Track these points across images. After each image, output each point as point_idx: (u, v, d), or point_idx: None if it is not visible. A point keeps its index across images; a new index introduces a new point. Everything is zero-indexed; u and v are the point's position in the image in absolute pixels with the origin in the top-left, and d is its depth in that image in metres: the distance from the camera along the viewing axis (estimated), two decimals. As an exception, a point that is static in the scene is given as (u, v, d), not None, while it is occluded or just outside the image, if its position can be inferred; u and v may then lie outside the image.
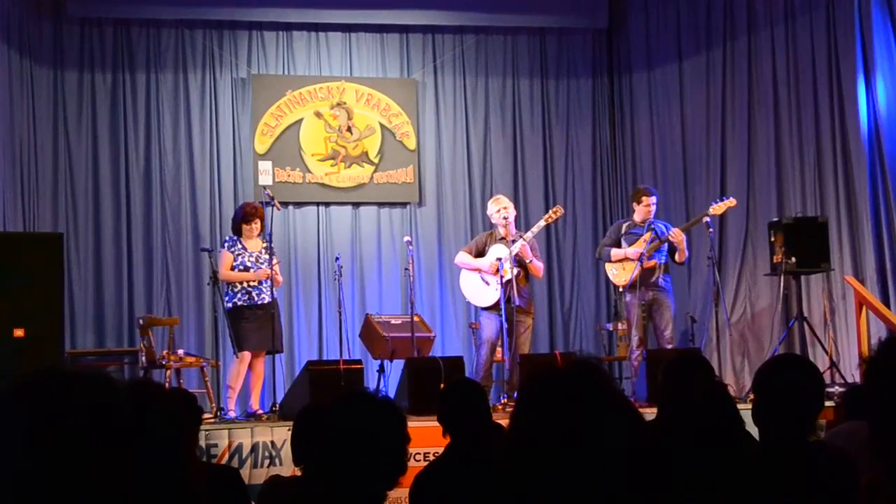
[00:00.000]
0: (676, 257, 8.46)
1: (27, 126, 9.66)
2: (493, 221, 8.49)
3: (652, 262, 8.38)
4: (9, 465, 1.34)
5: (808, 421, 2.98)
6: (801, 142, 9.30)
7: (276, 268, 8.18)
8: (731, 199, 8.65)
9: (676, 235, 8.36)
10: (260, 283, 8.00)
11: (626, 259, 8.47)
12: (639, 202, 8.61)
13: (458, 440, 3.90)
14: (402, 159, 10.57)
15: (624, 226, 8.65)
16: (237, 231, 8.22)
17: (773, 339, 9.10)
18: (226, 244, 8.23)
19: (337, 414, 2.44)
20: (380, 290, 10.38)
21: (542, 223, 8.53)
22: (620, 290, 8.62)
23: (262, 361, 8.16)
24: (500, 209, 8.36)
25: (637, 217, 8.61)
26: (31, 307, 7.42)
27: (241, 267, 8.04)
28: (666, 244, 8.44)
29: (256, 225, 8.15)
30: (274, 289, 8.11)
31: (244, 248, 8.10)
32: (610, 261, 8.57)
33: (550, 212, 8.65)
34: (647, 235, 8.44)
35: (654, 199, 8.59)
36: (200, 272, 9.79)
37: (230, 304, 8.04)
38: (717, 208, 8.52)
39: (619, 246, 8.55)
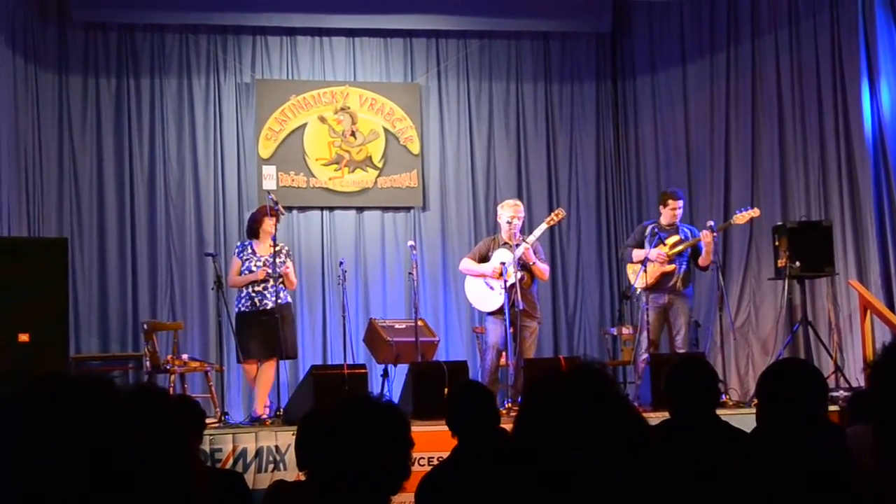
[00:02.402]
0: (700, 261, 8.42)
1: (32, 131, 9.67)
2: (500, 222, 8.48)
3: (671, 267, 8.35)
4: (12, 467, 1.34)
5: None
6: (805, 145, 9.30)
7: (289, 267, 8.15)
8: (755, 209, 8.60)
9: (706, 237, 8.32)
10: (265, 288, 7.99)
11: (647, 260, 8.43)
12: (665, 205, 8.58)
13: (465, 443, 3.90)
14: (406, 164, 10.58)
15: (649, 227, 8.61)
16: (254, 232, 8.21)
17: (777, 343, 9.09)
18: (236, 250, 8.28)
19: (341, 418, 2.44)
20: (384, 294, 10.38)
21: (543, 226, 8.54)
22: (638, 291, 8.58)
23: (272, 367, 8.11)
24: (515, 216, 8.31)
25: (663, 220, 8.58)
26: (35, 312, 7.42)
27: (248, 272, 8.06)
28: (688, 249, 8.41)
29: (273, 221, 8.15)
30: (283, 294, 8.12)
31: (253, 252, 8.11)
32: (631, 261, 8.56)
33: (552, 214, 8.66)
34: (674, 239, 8.42)
35: (680, 203, 8.57)
36: (204, 277, 9.80)
37: (236, 310, 8.10)
38: (741, 217, 8.47)
39: (641, 247, 8.51)
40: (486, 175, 10.81)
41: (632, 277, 8.60)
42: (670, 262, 8.34)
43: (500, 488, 1.58)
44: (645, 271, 8.29)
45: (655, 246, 8.41)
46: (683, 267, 8.44)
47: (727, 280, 9.33)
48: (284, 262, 8.13)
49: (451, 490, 3.55)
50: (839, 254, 8.75)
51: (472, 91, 10.85)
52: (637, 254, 8.49)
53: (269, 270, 7.98)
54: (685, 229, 8.57)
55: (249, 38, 10.43)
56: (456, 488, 3.52)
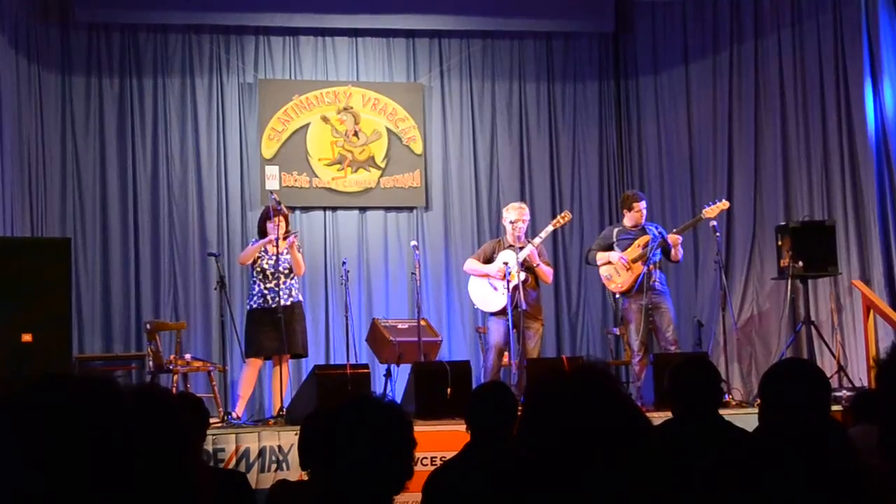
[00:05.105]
0: (672, 256, 8.45)
1: (35, 131, 9.68)
2: (505, 225, 8.48)
3: (651, 266, 8.36)
4: (13, 469, 1.34)
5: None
6: (808, 145, 9.29)
7: (294, 247, 8.13)
8: (724, 201, 8.66)
9: (674, 239, 8.36)
10: (278, 285, 8.02)
11: (608, 263, 8.46)
12: (630, 208, 8.58)
13: (478, 441, 3.89)
14: (409, 164, 10.58)
15: (615, 231, 8.64)
16: (263, 232, 8.27)
17: (780, 343, 9.08)
18: (252, 242, 8.39)
19: (343, 418, 2.44)
20: (386, 294, 10.38)
21: (550, 228, 8.56)
22: (617, 295, 8.63)
23: (286, 365, 8.14)
24: (520, 219, 8.34)
25: (628, 222, 8.59)
26: (38, 312, 7.43)
27: (259, 269, 8.12)
28: (660, 248, 8.44)
29: (281, 222, 8.18)
30: (296, 292, 8.16)
31: (266, 250, 8.16)
32: (596, 264, 8.57)
33: (559, 217, 8.68)
34: (644, 239, 8.41)
35: (644, 204, 8.58)
36: (207, 276, 9.81)
37: (248, 307, 8.24)
38: (711, 211, 8.50)
39: (610, 251, 8.53)
40: (488, 175, 10.81)
41: (606, 281, 8.60)
42: (645, 262, 8.32)
43: (506, 487, 1.58)
44: (619, 274, 8.34)
45: (625, 249, 8.42)
46: (658, 257, 8.42)
47: (730, 280, 9.33)
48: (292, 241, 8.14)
49: (461, 486, 3.54)
50: (842, 253, 8.74)
51: (474, 91, 10.84)
52: (600, 256, 8.50)
53: (278, 246, 8.01)
54: (652, 228, 8.57)
55: (252, 38, 10.43)
56: (465, 485, 3.52)
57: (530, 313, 8.23)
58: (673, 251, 8.38)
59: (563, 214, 8.71)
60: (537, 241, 8.39)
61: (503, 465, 3.25)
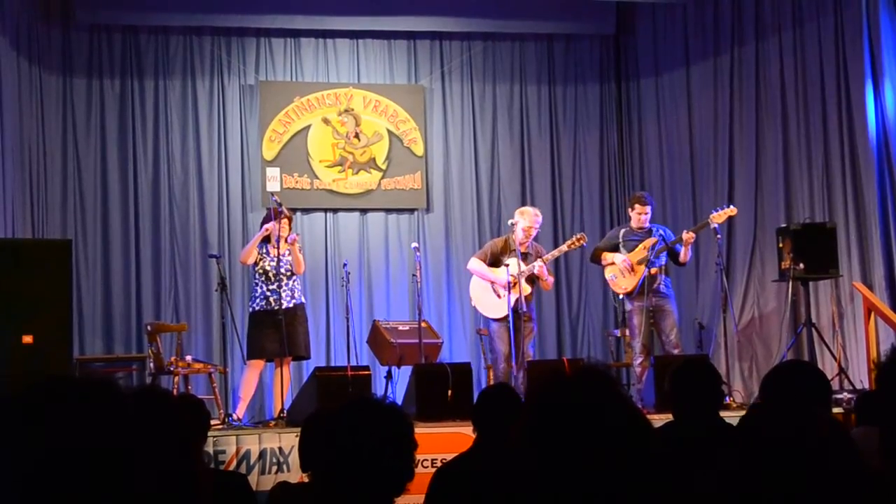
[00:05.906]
0: (681, 258, 8.44)
1: (36, 133, 9.68)
2: (516, 228, 8.36)
3: (654, 269, 8.36)
4: (13, 469, 1.34)
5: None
6: (809, 147, 9.28)
7: (296, 245, 8.15)
8: (732, 207, 8.62)
9: (689, 237, 8.34)
10: (280, 287, 8.02)
11: (612, 264, 8.46)
12: (632, 209, 8.61)
13: (485, 442, 3.90)
14: (410, 165, 10.58)
15: (622, 232, 8.64)
16: (265, 236, 8.28)
17: (781, 345, 9.07)
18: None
19: (344, 420, 2.44)
20: (387, 296, 10.38)
21: (564, 248, 8.58)
22: (620, 297, 8.62)
23: (287, 367, 8.15)
24: (533, 226, 8.31)
25: (633, 224, 8.60)
26: (39, 314, 7.43)
27: (261, 271, 8.12)
28: (665, 251, 8.44)
29: (284, 224, 8.16)
30: (298, 293, 8.16)
31: (268, 252, 8.16)
32: (600, 264, 8.58)
33: (574, 238, 8.63)
34: (651, 241, 8.41)
35: (648, 209, 8.56)
36: (208, 278, 9.81)
37: (250, 309, 8.21)
38: (718, 216, 8.46)
39: (615, 251, 8.53)
40: (489, 177, 10.81)
41: (611, 283, 8.59)
42: (647, 265, 8.31)
43: (509, 488, 1.58)
44: (624, 276, 8.35)
45: (631, 250, 8.42)
46: (664, 261, 8.43)
47: (731, 282, 9.31)
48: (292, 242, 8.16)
49: (466, 485, 3.55)
50: (843, 256, 8.73)
51: (475, 93, 10.85)
52: (605, 257, 8.52)
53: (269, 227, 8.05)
54: (660, 230, 8.56)
55: (253, 39, 10.44)
56: (471, 484, 3.52)
57: (528, 314, 8.24)
58: (683, 251, 8.37)
59: (578, 237, 8.61)
60: (548, 257, 8.39)
61: (507, 465, 3.24)
